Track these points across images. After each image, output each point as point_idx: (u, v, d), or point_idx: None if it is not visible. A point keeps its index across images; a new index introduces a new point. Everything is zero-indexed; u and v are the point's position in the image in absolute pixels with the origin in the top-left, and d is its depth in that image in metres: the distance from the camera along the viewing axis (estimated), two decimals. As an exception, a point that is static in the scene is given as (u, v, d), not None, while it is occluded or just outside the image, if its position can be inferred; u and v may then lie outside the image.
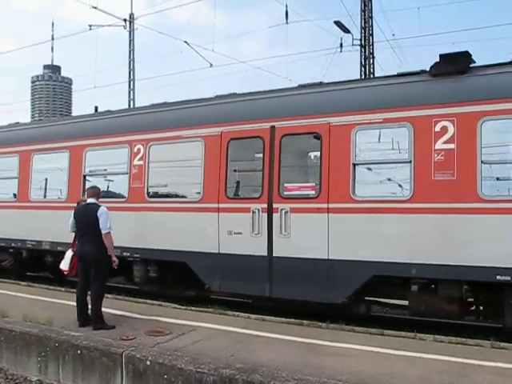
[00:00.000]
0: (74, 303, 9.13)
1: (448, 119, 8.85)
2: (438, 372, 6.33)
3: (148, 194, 12.02)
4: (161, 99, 13.16)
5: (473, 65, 9.35)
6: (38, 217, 14.14)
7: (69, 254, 9.11)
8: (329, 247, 9.67)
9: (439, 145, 8.86)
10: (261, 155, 10.67)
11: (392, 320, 10.95)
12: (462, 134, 8.72)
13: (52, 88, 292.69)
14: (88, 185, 12.58)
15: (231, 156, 10.99)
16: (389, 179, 9.83)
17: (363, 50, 28.45)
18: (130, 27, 28.74)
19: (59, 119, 15.99)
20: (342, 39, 28.22)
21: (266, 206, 10.33)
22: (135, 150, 12.42)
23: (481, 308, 9.54)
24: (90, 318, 8.66)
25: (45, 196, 14.51)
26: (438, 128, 8.93)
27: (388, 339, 7.91)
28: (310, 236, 9.88)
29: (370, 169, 9.90)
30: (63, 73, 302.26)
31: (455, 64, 9.24)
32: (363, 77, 26.83)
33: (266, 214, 10.33)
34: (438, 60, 9.43)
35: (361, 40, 28.43)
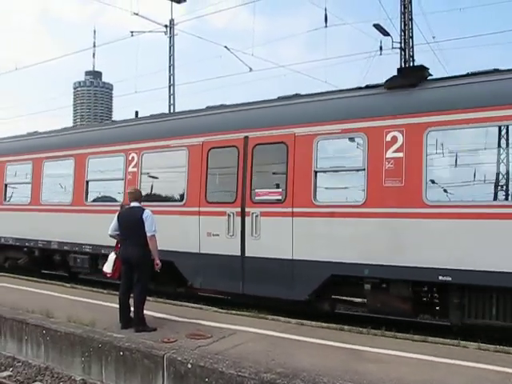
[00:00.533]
0: (116, 305, 9.26)
1: (397, 130, 9.54)
2: (481, 381, 6.22)
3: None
4: (200, 104, 13.53)
5: (430, 77, 10.07)
6: (48, 219, 15.39)
7: (112, 256, 9.24)
8: (293, 248, 10.47)
9: (389, 154, 9.56)
10: (236, 163, 11.47)
11: (354, 317, 11.78)
12: (410, 144, 9.38)
13: (93, 93, 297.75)
14: (90, 189, 14.54)
15: (211, 163, 11.94)
16: (345, 185, 10.53)
17: (403, 52, 28.14)
18: (170, 33, 29.06)
19: (66, 129, 17.00)
20: (381, 42, 28.02)
21: (239, 209, 11.19)
22: (130, 157, 13.52)
23: (432, 307, 10.12)
24: (132, 320, 8.77)
25: (54, 199, 15.64)
26: (388, 138, 9.60)
27: (430, 346, 7.80)
28: (276, 238, 10.69)
29: (329, 176, 10.63)
30: (104, 78, 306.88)
31: (408, 78, 10.02)
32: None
33: (239, 218, 11.18)
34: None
35: (400, 43, 28.15)
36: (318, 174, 10.41)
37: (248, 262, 11.02)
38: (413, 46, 28.38)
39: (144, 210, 8.92)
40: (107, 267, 9.21)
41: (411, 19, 28.31)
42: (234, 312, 10.14)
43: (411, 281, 9.47)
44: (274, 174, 11.41)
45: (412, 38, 28.34)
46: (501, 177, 8.91)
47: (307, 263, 10.28)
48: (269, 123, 11.25)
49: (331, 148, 10.63)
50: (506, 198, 8.79)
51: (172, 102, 28.37)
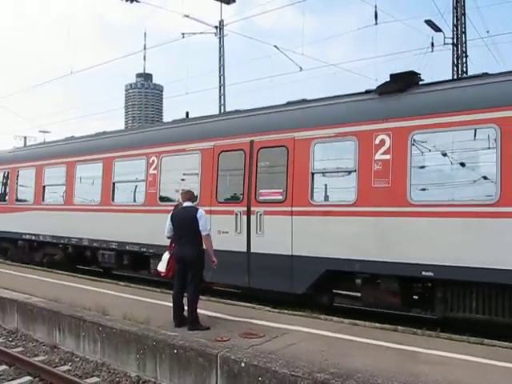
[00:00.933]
0: (170, 304, 9.39)
1: (385, 133, 10.14)
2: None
3: (160, 198, 14.22)
4: (250, 104, 14.04)
5: (422, 83, 10.64)
6: (79, 218, 16.84)
7: (166, 256, 9.36)
8: (292, 245, 11.24)
9: (378, 156, 10.16)
10: (242, 165, 12.32)
11: (352, 310, 12.10)
12: (396, 147, 9.96)
13: (144, 95, 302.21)
14: (117, 190, 15.77)
15: (221, 166, 12.82)
16: (339, 186, 11.21)
17: (455, 48, 27.59)
18: (219, 34, 29.26)
19: (96, 135, 18.06)
20: (432, 38, 27.50)
21: (245, 209, 11.97)
22: (150, 160, 14.62)
23: (420, 301, 10.65)
24: (186, 318, 8.88)
25: (85, 200, 17.10)
26: (377, 141, 10.20)
27: (486, 348, 7.63)
28: (278, 235, 11.45)
29: (324, 177, 11.32)
30: (154, 80, 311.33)
31: (397, 83, 10.54)
32: (455, 76, 26.01)
33: (245, 216, 12.00)
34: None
35: (453, 38, 27.60)
36: (314, 175, 11.14)
37: (253, 258, 11.83)
38: (465, 42, 27.77)
39: (198, 209, 9.02)
40: (161, 266, 9.34)
41: (464, 14, 27.72)
42: (286, 312, 10.13)
43: (398, 276, 9.97)
44: (276, 175, 12.02)
45: (465, 33, 27.73)
46: (477, 177, 9.43)
47: (305, 259, 11.03)
48: (272, 128, 12.08)
49: (326, 151, 11.26)
50: (484, 197, 9.15)
51: (222, 102, 28.56)
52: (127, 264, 15.59)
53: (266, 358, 6.93)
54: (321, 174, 11.22)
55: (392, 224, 9.95)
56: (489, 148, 9.15)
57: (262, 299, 11.67)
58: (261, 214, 11.75)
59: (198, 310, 8.94)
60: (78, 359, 9.17)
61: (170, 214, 9.31)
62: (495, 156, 8.96)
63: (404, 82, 10.59)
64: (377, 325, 9.04)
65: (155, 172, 14.43)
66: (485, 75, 9.89)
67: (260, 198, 11.92)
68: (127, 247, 14.95)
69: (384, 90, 10.72)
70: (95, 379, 8.14)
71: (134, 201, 15.17)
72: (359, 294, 11.10)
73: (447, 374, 6.39)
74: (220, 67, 29.30)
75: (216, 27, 28.45)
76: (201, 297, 9.40)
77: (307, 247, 11.00)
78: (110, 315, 9.55)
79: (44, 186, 18.73)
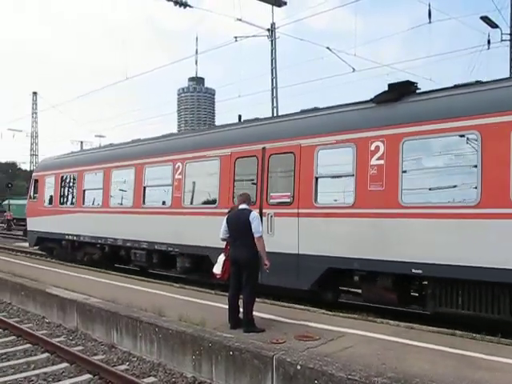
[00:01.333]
0: (224, 305, 9.46)
1: (380, 140, 10.93)
2: None
3: (184, 201, 15.33)
4: (302, 106, 14.10)
5: (419, 91, 11.38)
6: (115, 219, 18.22)
7: (221, 258, 9.40)
8: (298, 244, 12.14)
9: (373, 161, 10.95)
10: (255, 170, 13.30)
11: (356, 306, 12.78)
12: (389, 152, 10.72)
13: (196, 99, 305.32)
14: (147, 194, 16.90)
15: (237, 171, 13.85)
16: (340, 189, 11.87)
17: (513, 44, 26.87)
18: (271, 36, 29.31)
19: (128, 143, 19.52)
20: (489, 35, 26.92)
21: (258, 210, 11.89)
22: (176, 166, 15.76)
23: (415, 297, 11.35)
24: (242, 320, 8.93)
25: (120, 203, 18.38)
26: (372, 147, 10.96)
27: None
28: (286, 235, 12.33)
29: (326, 181, 12.11)
30: (206, 84, 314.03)
31: (393, 92, 11.28)
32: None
33: None
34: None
35: (510, 34, 26.89)
36: (318, 179, 11.96)
37: None
38: (525, 37, 27.01)
39: (251, 211, 9.04)
40: (217, 268, 9.39)
41: (522, 8, 26.94)
42: (341, 314, 10.07)
43: (393, 273, 10.66)
44: (284, 179, 12.95)
45: (524, 28, 26.98)
46: (460, 180, 10.02)
47: (309, 257, 11.91)
48: (281, 135, 13.04)
49: (328, 157, 12.00)
50: (466, 200, 9.74)
51: (275, 104, 28.58)
52: (156, 262, 16.77)
53: (322, 361, 6.88)
54: (323, 178, 12.04)
55: (386, 224, 10.71)
56: (471, 153, 9.76)
57: (315, 301, 11.78)
58: (271, 216, 12.68)
59: (253, 312, 8.96)
60: (135, 359, 9.34)
61: (225, 217, 9.38)
62: (477, 160, 9.57)
63: (400, 91, 11.26)
64: (433, 328, 8.89)
65: (180, 177, 15.54)
66: (477, 83, 10.42)
67: (271, 200, 12.86)
68: (156, 247, 16.18)
69: (381, 99, 11.46)
70: (152, 379, 8.27)
71: (163, 204, 16.31)
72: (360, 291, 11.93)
73: (508, 382, 6.23)
74: (272, 70, 29.36)
75: (268, 30, 28.53)
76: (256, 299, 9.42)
77: (311, 246, 11.89)
78: (166, 316, 9.68)
79: (84, 190, 20.36)
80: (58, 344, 9.96)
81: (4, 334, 11.29)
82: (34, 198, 24.16)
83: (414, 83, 11.51)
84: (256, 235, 8.80)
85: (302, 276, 12.03)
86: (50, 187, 22.74)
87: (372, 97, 11.64)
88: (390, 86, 11.38)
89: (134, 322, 9.67)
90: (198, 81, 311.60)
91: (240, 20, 27.09)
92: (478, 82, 10.41)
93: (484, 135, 9.46)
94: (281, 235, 12.40)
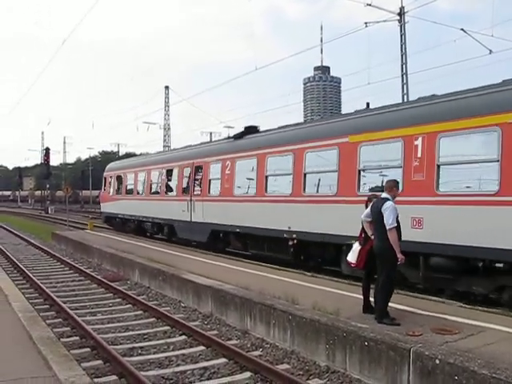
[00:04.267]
0: (358, 296, 9.37)
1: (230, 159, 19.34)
2: None
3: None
4: (434, 91, 13.16)
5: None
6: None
7: (356, 246, 9.30)
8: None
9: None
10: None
11: None
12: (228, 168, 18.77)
13: (322, 88, 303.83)
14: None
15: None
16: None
17: None
18: (401, 21, 28.48)
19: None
20: None
21: None
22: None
23: None
24: (375, 310, 8.79)
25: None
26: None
27: None
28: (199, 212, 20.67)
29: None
30: (332, 73, 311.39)
31: (242, 132, 20.26)
32: None
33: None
34: None
35: None
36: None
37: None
38: None
39: (386, 201, 8.70)
40: (351, 257, 9.29)
41: None
42: (480, 308, 9.57)
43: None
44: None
45: None
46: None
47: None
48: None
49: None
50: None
51: (405, 91, 27.80)
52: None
53: (463, 357, 6.59)
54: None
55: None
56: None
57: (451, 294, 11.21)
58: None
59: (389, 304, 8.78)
60: (268, 345, 9.50)
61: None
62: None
63: (246, 131, 19.66)
64: None
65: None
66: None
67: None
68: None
69: (236, 136, 20.26)
70: (285, 366, 8.36)
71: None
72: None
73: None
74: (402, 55, 28.54)
75: (398, 14, 27.75)
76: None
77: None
78: (300, 304, 9.73)
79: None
80: (195, 328, 10.34)
81: (145, 315, 11.91)
82: (104, 190, 33.51)
83: (256, 127, 19.83)
84: (386, 227, 8.47)
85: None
86: (120, 182, 30.70)
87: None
88: (245, 128, 19.69)
89: (268, 309, 9.82)
90: (324, 70, 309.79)
91: (370, 5, 26.54)
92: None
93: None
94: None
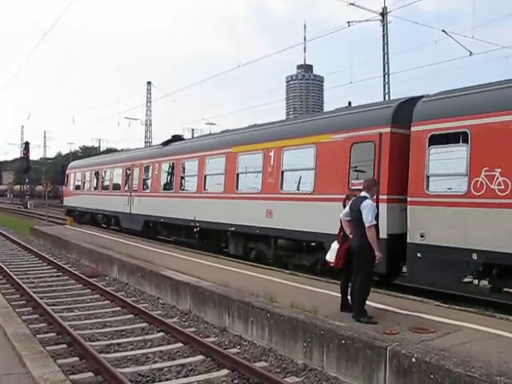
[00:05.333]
0: (335, 294, 9.38)
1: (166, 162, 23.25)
2: None
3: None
4: (417, 92, 13.55)
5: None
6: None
7: (334, 246, 9.29)
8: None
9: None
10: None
11: None
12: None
13: (305, 86, 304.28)
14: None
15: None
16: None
17: None
18: (384, 21, 28.59)
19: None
20: None
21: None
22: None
23: None
24: (352, 308, 8.82)
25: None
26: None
27: None
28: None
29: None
30: (315, 71, 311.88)
31: (169, 140, 25.14)
32: None
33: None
34: None
35: None
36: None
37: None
38: None
39: (364, 199, 8.74)
40: (330, 256, 9.29)
41: None
42: (457, 307, 9.66)
43: None
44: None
45: None
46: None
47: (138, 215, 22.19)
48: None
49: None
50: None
51: (387, 90, 27.93)
52: None
53: (439, 355, 6.64)
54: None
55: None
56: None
57: (428, 292, 11.37)
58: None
59: (367, 302, 8.81)
60: (246, 343, 9.50)
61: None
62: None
63: (172, 139, 24.31)
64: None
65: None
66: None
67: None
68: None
69: (163, 143, 24.51)
70: (263, 363, 8.36)
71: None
72: None
73: None
74: (384, 55, 28.66)
75: (381, 14, 27.85)
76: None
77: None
78: (278, 302, 9.72)
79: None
80: (173, 325, 10.31)
81: (123, 312, 11.85)
82: (66, 186, 37.67)
83: (181, 136, 25.55)
84: (366, 225, 8.48)
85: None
86: (78, 179, 34.63)
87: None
88: (172, 136, 24.63)
89: (246, 307, 9.81)
90: (307, 68, 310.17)
91: (353, 4, 26.60)
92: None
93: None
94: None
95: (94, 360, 8.22)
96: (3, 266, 17.23)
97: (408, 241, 11.42)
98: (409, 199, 11.50)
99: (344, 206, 9.33)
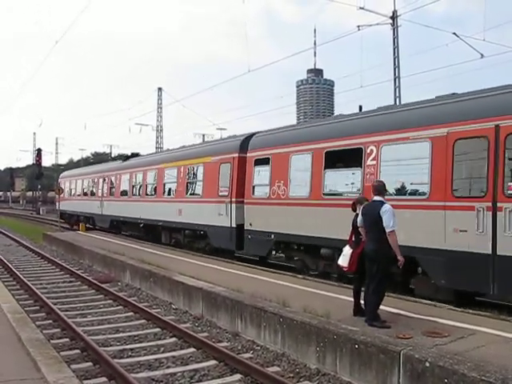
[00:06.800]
0: (349, 298, 9.34)
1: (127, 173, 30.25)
2: None
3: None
4: (427, 95, 13.29)
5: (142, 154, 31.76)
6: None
7: (347, 250, 9.27)
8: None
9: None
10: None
11: None
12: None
13: (315, 91, 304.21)
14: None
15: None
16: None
17: None
18: (394, 24, 28.48)
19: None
20: None
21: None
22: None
23: None
24: (365, 311, 8.79)
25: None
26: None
27: None
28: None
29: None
30: (325, 75, 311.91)
31: (129, 156, 34.04)
32: None
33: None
34: None
35: None
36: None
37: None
38: None
39: (383, 204, 8.65)
40: (342, 261, 9.28)
41: None
42: (471, 311, 9.59)
43: None
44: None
45: None
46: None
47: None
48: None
49: None
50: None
51: (398, 94, 27.79)
52: None
53: (453, 360, 6.60)
54: None
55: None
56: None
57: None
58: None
59: (380, 306, 8.78)
60: (258, 348, 9.50)
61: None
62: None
63: (130, 156, 32.14)
64: None
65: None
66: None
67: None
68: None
69: (123, 159, 32.61)
70: (276, 368, 8.35)
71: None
72: None
73: None
74: (395, 59, 28.55)
75: (391, 17, 27.76)
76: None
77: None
78: (290, 307, 9.71)
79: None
80: (185, 330, 10.31)
81: (135, 317, 11.87)
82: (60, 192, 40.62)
83: (138, 153, 32.66)
84: (387, 230, 8.41)
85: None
86: (67, 186, 41.95)
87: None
88: (131, 153, 32.21)
89: (259, 312, 9.81)
90: (317, 72, 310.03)
91: (362, 8, 26.53)
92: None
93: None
94: None
95: (107, 365, 8.25)
96: (17, 272, 17.35)
97: (245, 228, 17.39)
98: (245, 201, 17.53)
99: (353, 210, 9.33)
